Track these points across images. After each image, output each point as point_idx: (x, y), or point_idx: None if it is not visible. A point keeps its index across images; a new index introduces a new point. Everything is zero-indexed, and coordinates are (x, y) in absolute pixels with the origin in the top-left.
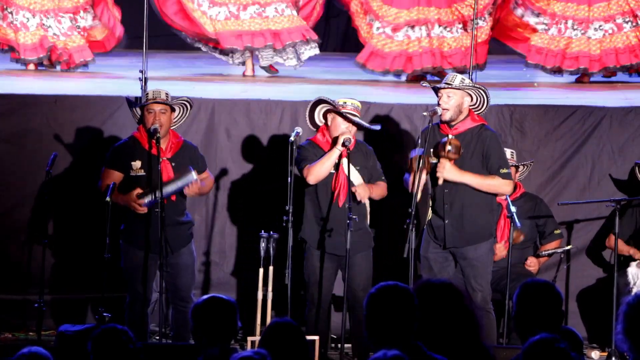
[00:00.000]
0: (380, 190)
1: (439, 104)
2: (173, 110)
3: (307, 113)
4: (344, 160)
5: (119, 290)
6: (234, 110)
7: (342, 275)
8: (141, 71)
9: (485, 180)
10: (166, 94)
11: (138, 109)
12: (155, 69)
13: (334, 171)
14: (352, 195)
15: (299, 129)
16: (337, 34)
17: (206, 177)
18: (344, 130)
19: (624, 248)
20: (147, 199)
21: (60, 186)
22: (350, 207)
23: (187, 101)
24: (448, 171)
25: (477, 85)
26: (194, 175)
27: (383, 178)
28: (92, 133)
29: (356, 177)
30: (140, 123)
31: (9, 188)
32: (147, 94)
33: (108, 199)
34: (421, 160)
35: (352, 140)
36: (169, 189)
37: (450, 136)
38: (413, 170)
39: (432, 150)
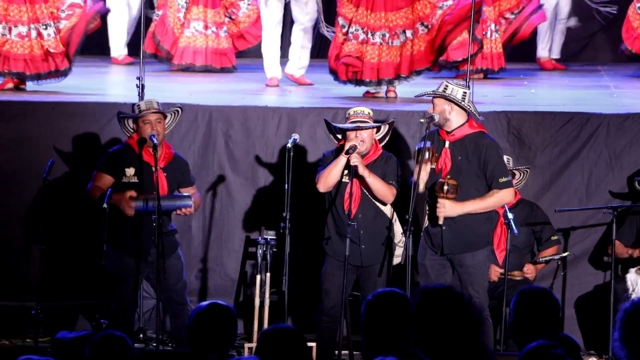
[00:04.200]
0: (384, 188)
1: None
2: (165, 117)
3: (328, 131)
4: (353, 170)
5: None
6: (231, 117)
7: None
8: (138, 78)
9: (485, 202)
10: (157, 102)
11: (130, 121)
12: (152, 75)
13: (348, 181)
14: (365, 206)
15: (296, 136)
16: None
17: (193, 192)
18: (351, 137)
19: (624, 251)
20: (137, 204)
21: (57, 193)
22: (360, 216)
23: (179, 107)
24: (449, 210)
25: (439, 93)
26: (190, 202)
27: (394, 184)
28: (90, 140)
29: (372, 183)
30: (134, 133)
31: (6, 195)
32: (139, 105)
33: (105, 206)
34: (425, 152)
35: (358, 147)
36: (163, 203)
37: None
38: (418, 161)
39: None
